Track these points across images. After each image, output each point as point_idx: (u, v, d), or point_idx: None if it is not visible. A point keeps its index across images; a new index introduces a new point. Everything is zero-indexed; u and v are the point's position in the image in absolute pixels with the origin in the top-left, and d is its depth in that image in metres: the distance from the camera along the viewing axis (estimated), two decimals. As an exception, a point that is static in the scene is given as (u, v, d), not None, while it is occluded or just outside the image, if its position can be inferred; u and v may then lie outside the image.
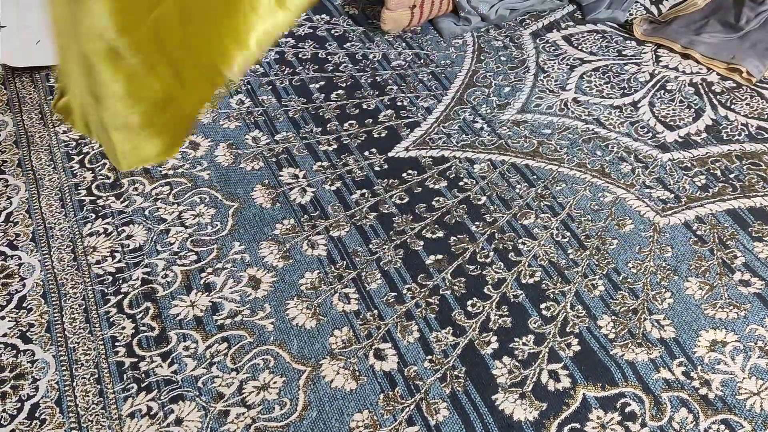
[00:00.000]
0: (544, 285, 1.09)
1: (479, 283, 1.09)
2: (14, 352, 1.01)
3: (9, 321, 1.04)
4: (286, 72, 1.49)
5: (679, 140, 1.33)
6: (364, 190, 1.25)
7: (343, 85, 1.46)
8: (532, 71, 1.48)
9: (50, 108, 1.41)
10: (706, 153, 1.31)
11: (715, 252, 1.14)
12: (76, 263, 1.13)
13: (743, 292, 1.08)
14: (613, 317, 1.04)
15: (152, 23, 0.82)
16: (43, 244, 1.16)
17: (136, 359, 0.99)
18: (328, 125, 1.37)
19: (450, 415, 0.93)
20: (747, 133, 1.35)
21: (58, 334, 1.03)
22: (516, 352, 1.00)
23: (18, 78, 1.49)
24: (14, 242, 1.16)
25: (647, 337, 1.01)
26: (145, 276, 1.11)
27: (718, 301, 1.06)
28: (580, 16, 1.62)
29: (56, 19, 0.89)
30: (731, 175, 1.27)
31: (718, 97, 1.42)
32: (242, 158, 1.31)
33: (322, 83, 1.46)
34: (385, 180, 1.26)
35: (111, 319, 1.04)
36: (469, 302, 1.06)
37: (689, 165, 1.29)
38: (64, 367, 0.99)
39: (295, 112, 1.40)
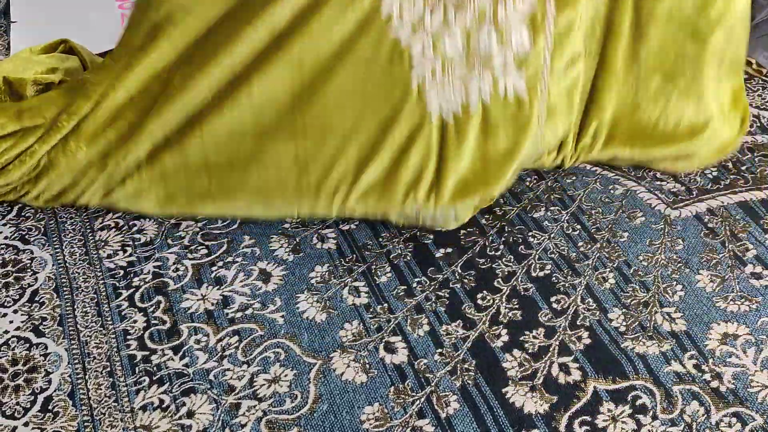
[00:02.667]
0: (554, 278, 1.08)
1: (489, 276, 1.09)
2: (27, 345, 1.01)
3: (22, 314, 1.05)
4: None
5: (690, 132, 1.32)
6: (373, 184, 1.24)
7: (352, 78, 1.45)
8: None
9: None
10: (718, 145, 1.30)
11: (726, 244, 1.13)
12: (87, 257, 1.13)
13: (755, 284, 1.07)
14: (623, 310, 1.04)
15: None
16: (54, 239, 1.16)
17: (147, 352, 1.00)
18: (338, 119, 1.36)
19: (460, 407, 0.93)
20: (759, 124, 1.34)
21: (71, 328, 1.03)
22: (526, 345, 1.00)
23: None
24: (26, 237, 1.17)
25: (658, 330, 1.01)
26: (156, 270, 1.11)
27: (729, 293, 1.06)
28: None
29: None
30: (743, 167, 1.26)
31: (730, 88, 1.41)
32: (252, 152, 1.31)
33: (331, 77, 1.46)
34: (395, 173, 1.26)
35: (123, 313, 1.05)
36: (479, 295, 1.06)
37: (700, 157, 1.28)
38: (77, 360, 0.99)
39: (304, 105, 1.40)
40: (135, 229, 1.17)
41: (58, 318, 1.05)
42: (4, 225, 1.19)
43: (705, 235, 1.15)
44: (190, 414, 0.93)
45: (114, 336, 1.02)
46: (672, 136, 1.19)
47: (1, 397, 0.95)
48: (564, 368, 0.97)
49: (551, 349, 0.99)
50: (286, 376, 0.97)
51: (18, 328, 1.03)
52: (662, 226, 1.16)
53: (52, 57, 1.28)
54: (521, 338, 1.00)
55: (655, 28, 1.12)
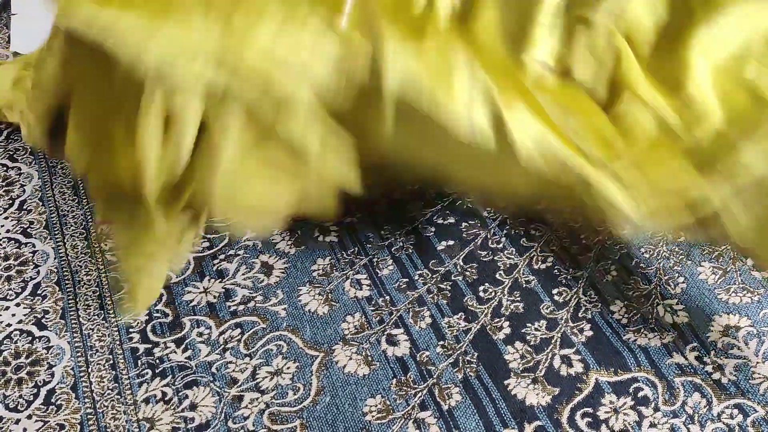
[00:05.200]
0: (556, 270, 1.08)
1: (491, 269, 1.09)
2: (30, 338, 1.02)
3: (24, 308, 1.05)
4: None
5: (692, 124, 1.32)
6: (375, 176, 1.24)
7: (354, 70, 1.45)
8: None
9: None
10: (720, 137, 1.30)
11: (728, 236, 1.13)
12: (89, 250, 1.13)
13: (757, 276, 1.07)
14: (625, 302, 1.04)
15: None
16: (56, 232, 1.16)
17: (150, 345, 1.00)
18: (339, 111, 1.36)
19: (462, 399, 0.93)
20: (761, 116, 1.33)
21: (73, 321, 1.04)
22: (528, 337, 1.00)
23: (29, 66, 1.49)
24: (28, 230, 1.17)
25: (660, 322, 1.01)
26: (158, 263, 1.11)
27: (731, 285, 1.06)
28: None
29: None
30: (745, 159, 1.25)
31: (732, 80, 1.41)
32: (253, 145, 1.31)
33: (332, 69, 1.46)
34: (396, 166, 1.26)
35: (125, 306, 1.05)
36: (481, 288, 1.06)
37: (702, 149, 1.27)
38: (79, 353, 1.00)
39: (305, 98, 1.39)
40: (137, 222, 1.17)
41: (61, 311, 1.05)
42: (6, 218, 1.19)
43: (707, 227, 1.14)
44: (193, 407, 0.93)
45: (116, 329, 1.02)
46: None
47: (4, 390, 0.95)
48: (566, 360, 0.97)
49: (553, 341, 0.99)
50: (288, 368, 0.97)
51: (20, 322, 1.04)
52: (664, 218, 1.16)
53: None
54: (523, 330, 1.01)
55: None
